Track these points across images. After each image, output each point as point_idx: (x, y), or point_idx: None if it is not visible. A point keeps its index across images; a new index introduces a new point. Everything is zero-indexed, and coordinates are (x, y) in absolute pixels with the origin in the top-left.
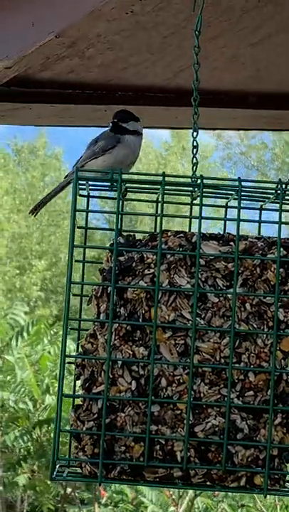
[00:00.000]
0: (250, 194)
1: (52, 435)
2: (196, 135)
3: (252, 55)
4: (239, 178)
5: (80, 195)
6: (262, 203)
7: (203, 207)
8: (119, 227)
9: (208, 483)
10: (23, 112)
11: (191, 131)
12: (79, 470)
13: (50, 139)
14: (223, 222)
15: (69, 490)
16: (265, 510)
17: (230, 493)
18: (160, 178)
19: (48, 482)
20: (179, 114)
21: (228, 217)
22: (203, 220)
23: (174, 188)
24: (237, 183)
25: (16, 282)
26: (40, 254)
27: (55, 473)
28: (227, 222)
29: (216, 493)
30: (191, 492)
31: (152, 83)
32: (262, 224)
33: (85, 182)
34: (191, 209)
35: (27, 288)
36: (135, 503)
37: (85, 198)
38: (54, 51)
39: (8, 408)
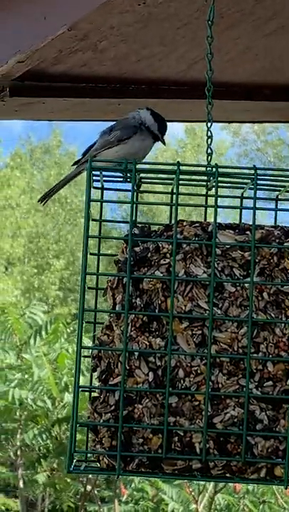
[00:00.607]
0: (266, 183)
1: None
2: (211, 125)
3: (265, 47)
4: (254, 165)
5: (94, 187)
6: (278, 193)
7: (219, 198)
8: (134, 218)
9: (227, 475)
10: (36, 107)
11: (206, 128)
12: (97, 464)
13: (65, 138)
14: (238, 214)
15: (89, 488)
16: (287, 506)
17: (251, 489)
18: (175, 168)
19: (68, 480)
20: (193, 107)
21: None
22: (220, 212)
23: (188, 178)
24: (253, 172)
25: (35, 282)
26: (57, 254)
27: (72, 466)
28: (243, 213)
29: (238, 489)
30: (211, 488)
31: (166, 76)
32: (278, 214)
33: (98, 172)
34: (206, 199)
35: (45, 287)
36: (156, 500)
37: (99, 192)
38: (66, 44)
39: (27, 406)
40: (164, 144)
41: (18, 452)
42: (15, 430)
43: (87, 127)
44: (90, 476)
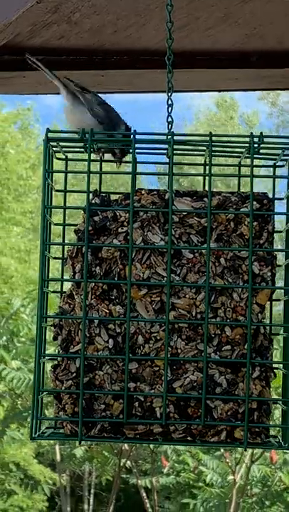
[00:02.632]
0: (263, 152)
1: None
2: (171, 94)
3: (244, 13)
4: (251, 133)
5: (58, 159)
6: (274, 161)
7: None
8: (98, 188)
9: (188, 438)
10: (18, 80)
11: (239, 98)
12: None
13: None
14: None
15: (125, 461)
16: None
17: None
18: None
19: (106, 453)
20: (176, 77)
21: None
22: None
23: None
24: (248, 140)
25: None
26: None
27: (37, 433)
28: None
29: (274, 460)
30: (248, 459)
31: (146, 46)
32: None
33: (56, 144)
34: (204, 169)
35: None
36: (197, 471)
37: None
38: (39, 17)
39: None
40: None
41: None
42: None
43: None
44: (127, 448)
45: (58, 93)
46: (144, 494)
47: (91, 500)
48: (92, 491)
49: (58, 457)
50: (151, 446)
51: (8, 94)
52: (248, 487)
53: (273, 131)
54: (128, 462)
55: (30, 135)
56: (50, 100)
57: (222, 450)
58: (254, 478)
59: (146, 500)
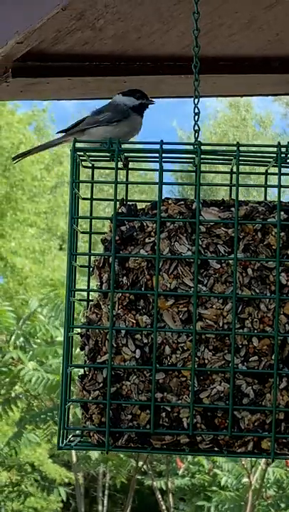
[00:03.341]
0: None
1: None
2: (198, 102)
3: (268, 19)
4: (279, 143)
5: (84, 167)
6: None
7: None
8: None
9: (215, 448)
10: (41, 87)
11: (252, 100)
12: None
13: None
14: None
15: (140, 463)
16: None
17: None
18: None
19: (122, 456)
20: (201, 82)
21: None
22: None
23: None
24: (276, 149)
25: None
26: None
27: (65, 442)
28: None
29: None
30: (262, 463)
31: (170, 52)
32: None
33: (83, 153)
34: (231, 178)
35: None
36: (212, 473)
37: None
38: (64, 24)
39: None
40: (152, 103)
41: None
42: None
43: None
44: None
45: (81, 99)
46: (159, 496)
47: (105, 502)
48: (106, 492)
49: (74, 458)
50: None
51: (32, 100)
52: (263, 490)
53: (288, 131)
54: (141, 462)
55: (46, 136)
56: (66, 102)
57: None
58: (269, 480)
59: (162, 502)
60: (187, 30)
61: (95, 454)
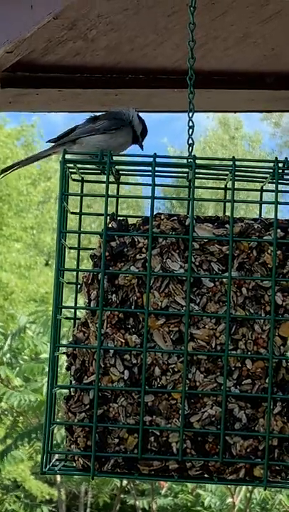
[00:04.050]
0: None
1: None
2: (192, 115)
3: (264, 33)
4: (276, 158)
5: (74, 180)
6: None
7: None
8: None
9: (205, 475)
10: (31, 98)
11: (239, 118)
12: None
13: None
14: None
15: (125, 482)
16: None
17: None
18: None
19: None
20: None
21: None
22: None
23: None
24: (273, 165)
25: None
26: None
27: (48, 466)
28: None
29: None
30: None
31: (163, 65)
32: None
33: (73, 165)
34: (225, 194)
35: None
36: (195, 493)
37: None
38: (55, 34)
39: None
40: (141, 148)
41: None
42: None
43: None
44: None
45: (71, 111)
46: None
47: None
48: (88, 510)
49: (58, 477)
50: None
51: (20, 111)
52: (248, 510)
53: (276, 151)
54: (125, 482)
55: (34, 151)
56: (55, 117)
57: None
58: (254, 500)
59: None
60: (182, 43)
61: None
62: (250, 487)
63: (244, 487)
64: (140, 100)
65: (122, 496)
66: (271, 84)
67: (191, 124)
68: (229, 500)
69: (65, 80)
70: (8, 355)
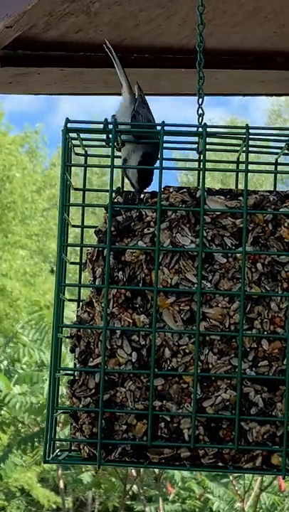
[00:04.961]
0: None
1: None
2: (202, 102)
3: (275, 8)
4: None
5: (77, 154)
6: None
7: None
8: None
9: (219, 464)
10: (31, 78)
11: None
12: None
13: None
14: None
15: (134, 487)
16: None
17: None
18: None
19: (113, 480)
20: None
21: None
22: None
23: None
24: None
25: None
26: None
27: (51, 455)
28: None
29: (283, 488)
30: (256, 487)
31: (169, 43)
32: None
33: (75, 135)
34: (237, 166)
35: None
36: (203, 499)
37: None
38: (56, 7)
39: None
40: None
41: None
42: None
43: None
44: (135, 474)
45: (74, 94)
46: None
47: None
48: None
49: (62, 484)
50: (156, 471)
51: (21, 93)
52: None
53: None
54: (135, 488)
55: (38, 158)
56: (59, 123)
57: (230, 477)
58: (263, 505)
59: None
60: (188, 18)
61: (86, 478)
62: (258, 490)
63: (253, 492)
64: (146, 81)
65: (129, 502)
66: (281, 64)
67: (200, 111)
68: (238, 504)
69: (67, 59)
70: (5, 363)
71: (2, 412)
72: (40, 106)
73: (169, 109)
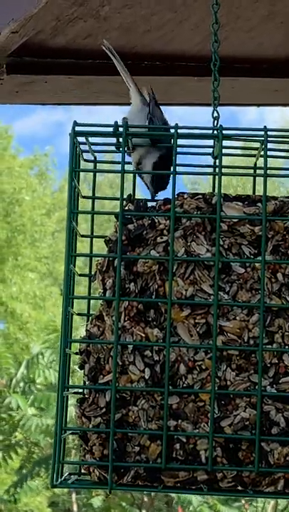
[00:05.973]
0: None
1: None
2: (216, 106)
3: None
4: None
5: (86, 160)
6: None
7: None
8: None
9: (239, 487)
10: (38, 87)
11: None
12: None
13: None
14: None
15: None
16: None
17: None
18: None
19: (124, 504)
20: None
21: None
22: None
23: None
24: None
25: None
26: None
27: (59, 479)
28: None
29: None
30: (270, 511)
31: (182, 49)
32: None
33: (84, 139)
34: (254, 170)
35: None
36: None
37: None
38: (64, 11)
39: None
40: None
41: None
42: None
43: None
44: (146, 499)
45: (83, 103)
46: None
47: None
48: None
49: (75, 507)
50: (169, 494)
51: (27, 103)
52: None
53: None
54: None
55: (48, 180)
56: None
57: (242, 501)
58: None
59: None
60: (201, 23)
61: (97, 502)
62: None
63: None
64: (157, 89)
65: None
66: None
67: (216, 114)
68: None
69: (75, 66)
70: (21, 384)
71: (16, 434)
72: (50, 129)
73: (181, 115)
